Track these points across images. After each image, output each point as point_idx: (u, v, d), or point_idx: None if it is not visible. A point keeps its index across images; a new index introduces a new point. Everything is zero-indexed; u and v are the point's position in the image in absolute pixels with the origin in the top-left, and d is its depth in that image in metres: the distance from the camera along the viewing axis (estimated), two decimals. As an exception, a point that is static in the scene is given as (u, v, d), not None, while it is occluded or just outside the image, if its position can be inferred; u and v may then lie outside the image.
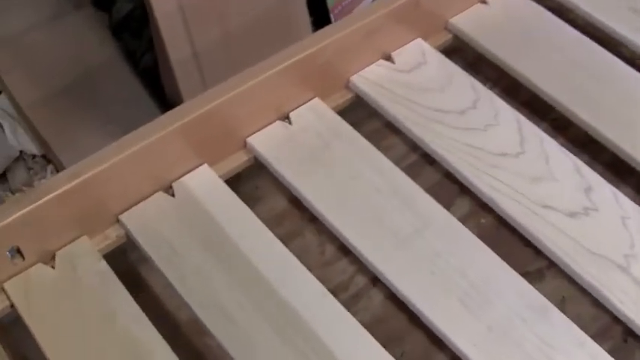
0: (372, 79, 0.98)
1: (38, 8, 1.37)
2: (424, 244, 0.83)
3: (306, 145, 0.91)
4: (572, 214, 0.85)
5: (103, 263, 0.81)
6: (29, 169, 1.22)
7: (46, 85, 1.25)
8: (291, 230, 0.93)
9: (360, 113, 0.99)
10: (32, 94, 1.23)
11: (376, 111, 0.97)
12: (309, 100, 0.95)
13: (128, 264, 0.90)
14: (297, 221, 0.94)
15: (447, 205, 0.91)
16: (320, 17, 1.35)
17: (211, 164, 0.90)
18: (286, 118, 0.94)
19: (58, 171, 1.20)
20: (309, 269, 0.83)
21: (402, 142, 0.97)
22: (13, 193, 1.19)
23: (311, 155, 0.90)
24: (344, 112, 0.97)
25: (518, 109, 0.98)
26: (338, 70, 0.96)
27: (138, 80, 1.28)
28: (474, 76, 1.00)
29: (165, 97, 1.24)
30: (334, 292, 0.87)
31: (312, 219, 0.89)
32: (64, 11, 1.38)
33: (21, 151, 1.22)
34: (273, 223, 0.93)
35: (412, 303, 0.79)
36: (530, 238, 0.85)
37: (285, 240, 0.91)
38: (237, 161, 0.91)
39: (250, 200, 0.95)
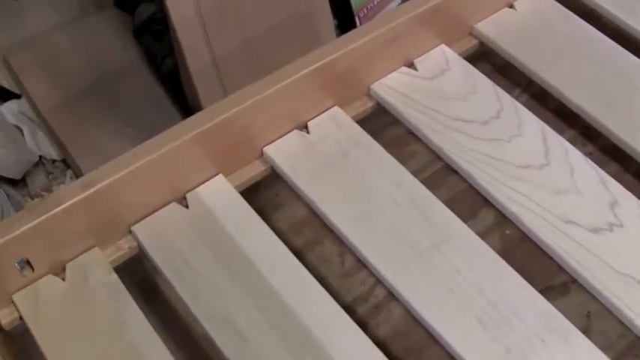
0: (393, 87, 0.97)
1: (60, 9, 1.37)
2: (442, 259, 0.82)
3: (323, 155, 0.91)
4: (595, 230, 0.84)
5: (114, 276, 0.81)
6: (49, 173, 1.22)
7: (66, 88, 1.26)
8: (310, 239, 0.93)
9: (383, 120, 0.99)
10: (52, 98, 1.24)
11: (396, 118, 0.97)
12: (329, 109, 0.95)
13: (145, 272, 0.90)
14: (318, 230, 0.93)
15: (472, 215, 0.91)
16: (345, 20, 1.34)
17: (227, 174, 0.90)
18: (304, 127, 0.94)
19: (77, 176, 1.21)
20: (329, 280, 0.83)
21: (426, 149, 0.96)
22: (32, 198, 1.20)
23: (328, 166, 0.90)
24: (365, 120, 0.97)
25: (547, 115, 0.98)
26: (359, 77, 0.96)
27: (159, 84, 1.28)
28: (502, 81, 1.00)
29: (186, 102, 1.24)
30: (353, 304, 0.87)
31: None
32: (86, 13, 1.38)
33: (40, 156, 1.23)
34: (292, 231, 0.93)
35: (428, 322, 0.78)
36: (551, 254, 0.84)
37: (305, 249, 0.91)
38: (253, 171, 0.91)
39: (270, 208, 0.95)
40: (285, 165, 0.90)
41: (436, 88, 0.97)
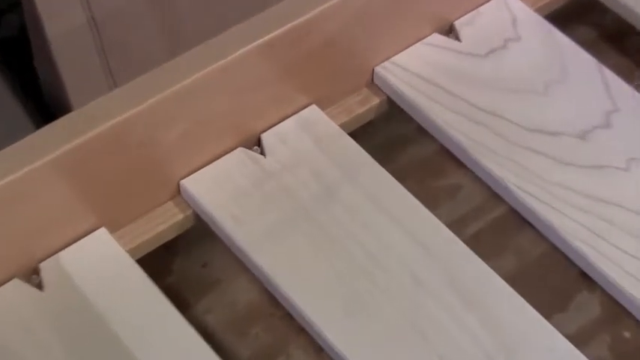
0: (413, 70, 0.98)
1: None
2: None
3: (288, 193, 0.91)
4: None
5: None
6: None
7: None
8: (266, 344, 0.93)
9: (396, 130, 1.00)
10: None
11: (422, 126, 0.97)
12: (299, 111, 0.95)
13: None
14: (278, 327, 0.93)
15: (563, 304, 0.93)
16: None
17: (114, 228, 0.89)
18: (256, 143, 0.94)
19: None
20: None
21: (475, 181, 0.97)
22: None
23: (298, 212, 0.90)
24: (364, 131, 0.98)
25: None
26: (352, 53, 0.96)
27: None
28: (616, 59, 1.03)
29: (41, 94, 1.25)
30: None
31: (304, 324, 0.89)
32: None
33: None
34: (234, 329, 0.95)
35: None
36: None
37: (255, 362, 0.94)
38: (162, 222, 0.91)
39: (195, 288, 0.97)
40: (220, 211, 0.90)
41: (494, 71, 0.99)
